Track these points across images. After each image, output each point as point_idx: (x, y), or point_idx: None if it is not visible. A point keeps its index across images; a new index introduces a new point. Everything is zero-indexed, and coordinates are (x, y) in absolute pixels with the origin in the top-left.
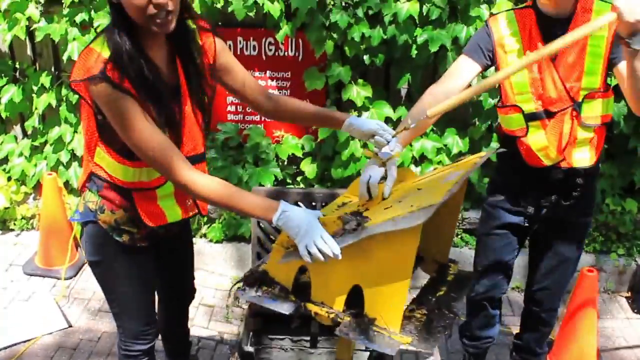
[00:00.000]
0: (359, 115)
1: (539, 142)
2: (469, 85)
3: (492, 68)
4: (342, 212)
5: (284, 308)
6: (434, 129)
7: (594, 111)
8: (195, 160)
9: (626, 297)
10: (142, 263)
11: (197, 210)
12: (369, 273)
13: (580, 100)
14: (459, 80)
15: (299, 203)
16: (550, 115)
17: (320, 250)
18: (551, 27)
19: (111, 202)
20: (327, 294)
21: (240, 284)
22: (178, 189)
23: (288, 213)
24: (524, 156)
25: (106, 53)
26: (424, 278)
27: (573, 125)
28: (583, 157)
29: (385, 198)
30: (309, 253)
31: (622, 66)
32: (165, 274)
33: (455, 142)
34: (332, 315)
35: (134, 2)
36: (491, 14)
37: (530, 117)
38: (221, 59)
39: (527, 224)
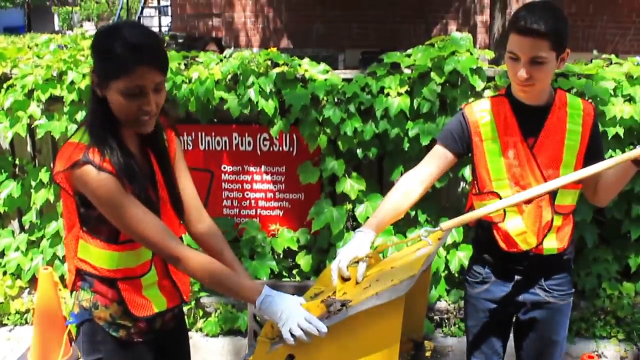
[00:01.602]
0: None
1: (517, 227)
2: (446, 172)
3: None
4: (322, 298)
5: None
6: (428, 219)
7: (566, 200)
8: None
9: None
10: (141, 358)
11: (180, 299)
12: (358, 351)
13: (555, 190)
14: (433, 168)
15: None
16: (527, 201)
17: (305, 332)
18: (527, 115)
19: (104, 297)
20: None
21: None
22: (161, 278)
23: (271, 298)
24: (502, 241)
25: (86, 141)
26: None
27: (552, 212)
28: (551, 245)
29: (358, 282)
30: (293, 337)
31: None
32: None
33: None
34: None
35: (125, 106)
36: (466, 103)
37: None
38: (176, 159)
39: (511, 310)
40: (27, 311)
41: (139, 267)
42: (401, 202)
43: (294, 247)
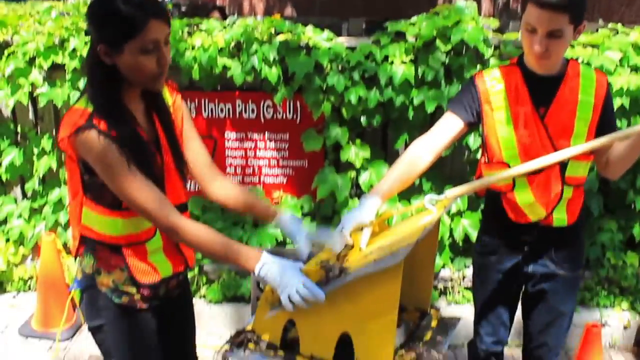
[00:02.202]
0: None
1: (526, 198)
2: (455, 141)
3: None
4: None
5: None
6: (433, 186)
7: (577, 172)
8: (178, 209)
9: (633, 352)
10: (144, 325)
11: (185, 265)
12: (356, 317)
13: (566, 160)
14: (443, 136)
15: None
16: (537, 171)
17: (303, 297)
18: (539, 85)
19: (107, 263)
20: (316, 344)
21: (228, 346)
22: (166, 243)
23: (269, 264)
24: (510, 212)
25: (91, 108)
26: None
27: (561, 184)
28: (561, 217)
29: (362, 249)
30: (292, 302)
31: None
32: (167, 341)
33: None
34: None
35: (144, 65)
36: (478, 71)
37: None
38: (184, 122)
39: (520, 281)
40: (30, 278)
41: (143, 232)
42: (410, 170)
43: (298, 215)
